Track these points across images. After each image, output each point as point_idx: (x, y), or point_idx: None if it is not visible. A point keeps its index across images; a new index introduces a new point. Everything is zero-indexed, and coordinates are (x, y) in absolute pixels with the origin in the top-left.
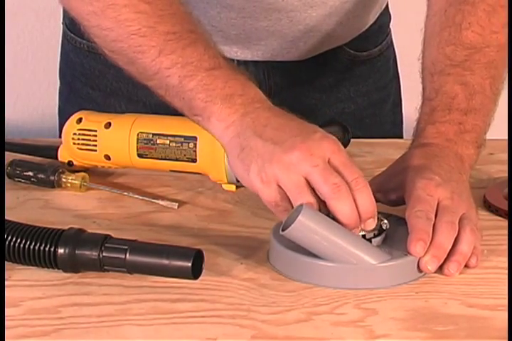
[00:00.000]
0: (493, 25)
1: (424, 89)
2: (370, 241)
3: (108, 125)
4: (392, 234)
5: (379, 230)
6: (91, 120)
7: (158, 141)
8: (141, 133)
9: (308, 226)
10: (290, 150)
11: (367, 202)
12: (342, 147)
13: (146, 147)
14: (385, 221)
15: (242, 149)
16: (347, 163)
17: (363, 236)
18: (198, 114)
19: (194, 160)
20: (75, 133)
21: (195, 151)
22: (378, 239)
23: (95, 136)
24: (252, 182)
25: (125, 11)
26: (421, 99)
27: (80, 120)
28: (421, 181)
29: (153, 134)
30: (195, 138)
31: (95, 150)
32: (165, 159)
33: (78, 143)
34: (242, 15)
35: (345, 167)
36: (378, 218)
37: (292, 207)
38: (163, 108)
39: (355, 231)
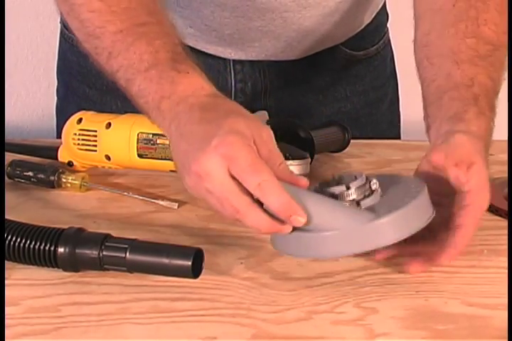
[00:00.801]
0: (504, 25)
1: (443, 73)
2: (359, 204)
3: (108, 125)
4: (388, 191)
5: (369, 191)
6: (91, 120)
7: (158, 141)
8: (141, 133)
9: None
10: (188, 172)
11: (278, 203)
12: (241, 149)
13: (146, 147)
14: (374, 180)
15: (175, 160)
16: (246, 168)
17: (353, 200)
18: (147, 117)
19: None
20: (75, 134)
21: None
22: (369, 200)
23: (95, 136)
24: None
25: (83, 10)
26: (433, 82)
27: (80, 120)
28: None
29: (153, 134)
30: None
31: (95, 151)
32: (165, 159)
33: (78, 144)
34: (236, 14)
35: (244, 173)
36: (367, 178)
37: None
38: None
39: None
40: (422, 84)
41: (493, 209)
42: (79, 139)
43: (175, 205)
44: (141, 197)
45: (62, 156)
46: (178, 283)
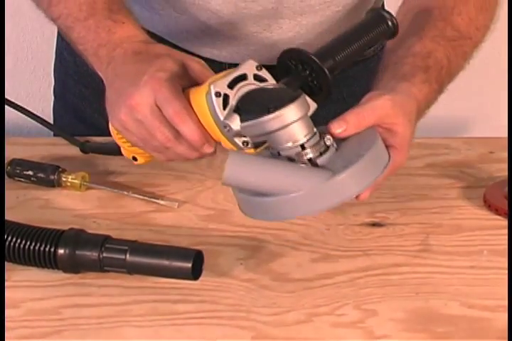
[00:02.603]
0: (478, 22)
1: (405, 45)
2: (315, 162)
3: None
4: (343, 144)
5: (324, 147)
6: None
7: None
8: None
9: (238, 175)
10: (120, 107)
11: (190, 133)
12: (166, 82)
13: None
14: (328, 136)
15: (107, 98)
16: (168, 99)
17: (309, 160)
18: (86, 60)
19: None
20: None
21: None
22: (325, 156)
23: None
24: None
25: None
26: (394, 52)
27: None
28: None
29: None
30: None
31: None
32: None
33: (124, 141)
34: (232, 21)
35: (165, 103)
36: (321, 134)
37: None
38: None
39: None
40: (384, 55)
41: (493, 209)
42: (122, 137)
43: (175, 204)
44: (141, 197)
45: (126, 153)
46: (178, 284)
